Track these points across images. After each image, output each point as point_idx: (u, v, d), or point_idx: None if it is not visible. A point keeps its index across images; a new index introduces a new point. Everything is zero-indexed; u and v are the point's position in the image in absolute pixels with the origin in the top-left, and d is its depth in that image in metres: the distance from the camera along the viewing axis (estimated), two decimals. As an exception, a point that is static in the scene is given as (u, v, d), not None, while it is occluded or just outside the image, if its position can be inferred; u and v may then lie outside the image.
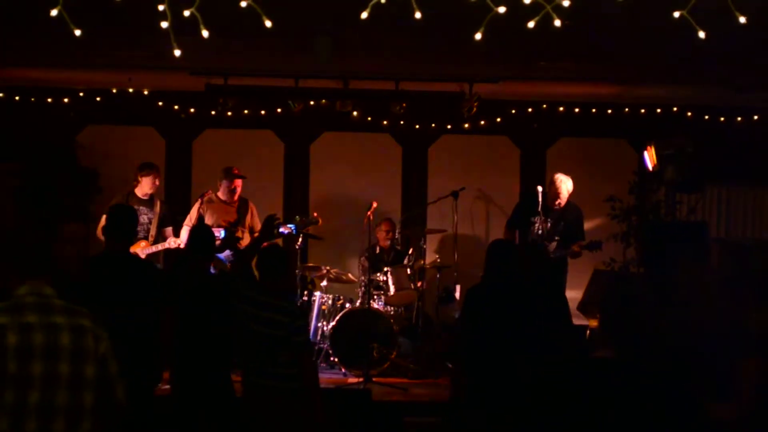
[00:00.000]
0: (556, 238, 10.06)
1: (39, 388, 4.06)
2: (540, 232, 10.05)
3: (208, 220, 10.09)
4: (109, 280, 6.13)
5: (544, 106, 12.19)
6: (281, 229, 8.50)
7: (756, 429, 4.35)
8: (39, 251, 4.30)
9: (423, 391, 9.58)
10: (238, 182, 10.28)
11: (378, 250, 11.23)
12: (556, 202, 10.12)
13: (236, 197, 10.32)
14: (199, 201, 10.24)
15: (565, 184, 10.14)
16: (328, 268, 10.70)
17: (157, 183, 10.22)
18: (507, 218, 10.86)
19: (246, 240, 10.05)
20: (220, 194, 10.30)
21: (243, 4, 5.90)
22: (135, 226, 6.61)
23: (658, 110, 12.09)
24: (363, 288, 10.57)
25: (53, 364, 4.08)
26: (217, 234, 8.98)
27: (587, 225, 10.63)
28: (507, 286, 7.03)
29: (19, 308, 4.15)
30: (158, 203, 10.25)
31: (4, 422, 4.06)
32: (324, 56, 8.53)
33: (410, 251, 11.08)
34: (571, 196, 10.27)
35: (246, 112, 11.86)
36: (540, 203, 10.09)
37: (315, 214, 10.29)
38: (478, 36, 6.40)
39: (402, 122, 12.04)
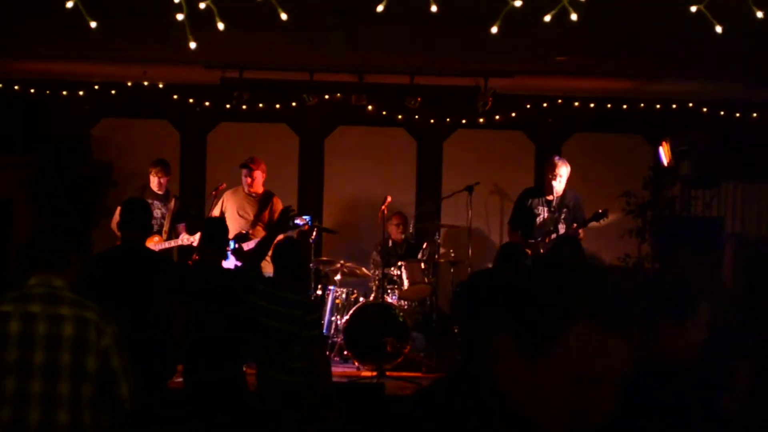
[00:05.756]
0: (562, 225, 9.98)
1: (40, 377, 4.08)
2: (544, 220, 10.01)
3: (228, 212, 10.12)
4: (122, 272, 6.14)
5: (560, 101, 12.16)
6: (296, 221, 8.47)
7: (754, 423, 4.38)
8: (52, 246, 4.30)
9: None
10: (253, 173, 10.25)
11: (390, 244, 11.22)
12: (555, 182, 9.98)
13: (253, 188, 10.28)
14: (214, 194, 10.27)
15: (565, 166, 10.05)
16: (342, 262, 10.69)
17: (162, 182, 10.22)
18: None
19: (258, 234, 10.03)
20: (243, 185, 10.32)
21: (258, -3, 5.92)
22: (149, 219, 6.62)
23: (674, 106, 12.04)
24: (376, 282, 10.57)
25: (54, 354, 4.09)
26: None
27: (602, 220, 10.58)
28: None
29: (25, 298, 4.17)
30: (173, 200, 10.27)
31: (6, 410, 4.07)
32: (339, 50, 8.52)
33: (424, 245, 11.07)
34: (576, 187, 10.24)
35: (261, 105, 11.85)
36: (539, 192, 10.15)
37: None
38: (493, 30, 6.40)
39: (417, 116, 12.01)
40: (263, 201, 10.31)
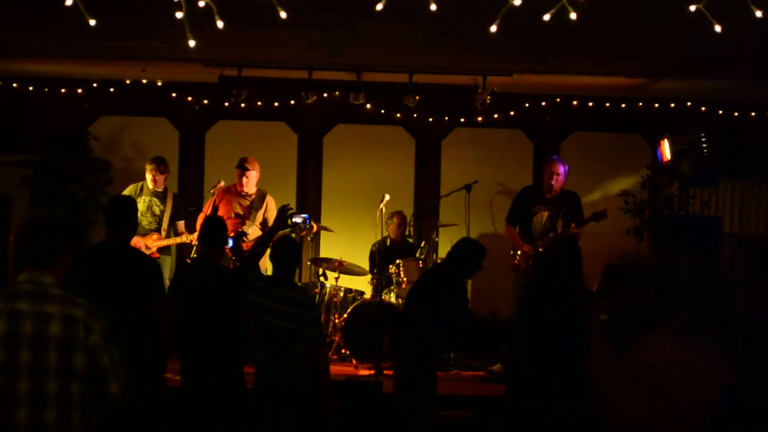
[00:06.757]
0: (560, 224, 9.99)
1: (28, 377, 4.04)
2: (542, 219, 10.02)
3: (221, 211, 10.10)
4: (103, 269, 6.12)
5: (558, 99, 12.17)
6: (294, 219, 8.48)
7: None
8: (39, 242, 4.23)
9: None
10: (247, 173, 10.27)
11: (389, 243, 11.21)
12: (552, 181, 9.99)
13: (247, 188, 10.29)
14: (212, 192, 10.26)
15: (564, 165, 10.05)
16: (340, 260, 10.69)
17: (159, 179, 10.18)
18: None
19: (254, 233, 10.04)
20: (237, 185, 10.33)
21: (257, -5, 5.92)
22: (131, 216, 6.52)
23: (672, 104, 12.06)
24: (374, 280, 10.57)
25: (41, 352, 4.04)
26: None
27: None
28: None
29: (13, 295, 4.12)
30: (171, 197, 10.24)
31: None
32: (338, 48, 8.52)
33: (422, 244, 11.07)
34: (574, 186, 10.24)
35: (259, 103, 11.87)
36: (537, 191, 10.15)
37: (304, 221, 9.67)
38: (492, 29, 6.40)
39: (415, 115, 12.02)
40: (257, 200, 10.32)
